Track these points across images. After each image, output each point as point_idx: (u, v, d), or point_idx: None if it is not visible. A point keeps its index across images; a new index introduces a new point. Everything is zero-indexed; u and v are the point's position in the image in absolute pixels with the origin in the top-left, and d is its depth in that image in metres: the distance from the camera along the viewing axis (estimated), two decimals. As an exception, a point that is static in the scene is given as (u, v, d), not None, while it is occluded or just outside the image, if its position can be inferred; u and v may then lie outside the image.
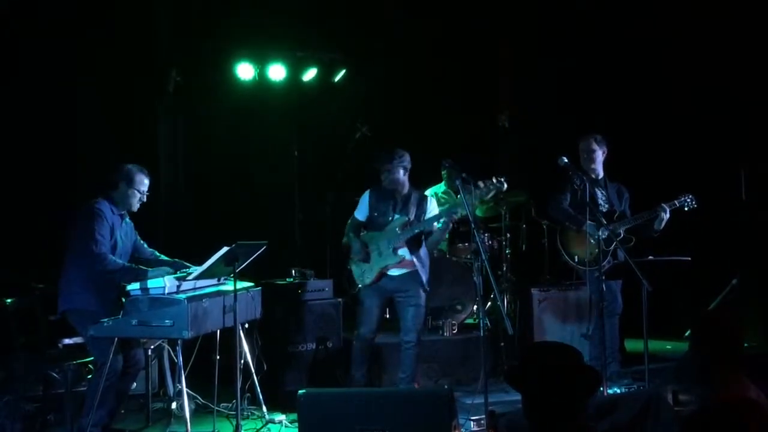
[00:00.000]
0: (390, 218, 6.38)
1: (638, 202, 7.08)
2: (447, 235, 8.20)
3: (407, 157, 6.40)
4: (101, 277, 5.60)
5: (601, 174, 7.04)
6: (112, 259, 5.59)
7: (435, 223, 6.27)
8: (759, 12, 8.18)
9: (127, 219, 5.96)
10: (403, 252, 6.32)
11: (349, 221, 6.64)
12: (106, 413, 5.62)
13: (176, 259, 5.97)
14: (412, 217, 6.36)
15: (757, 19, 8.22)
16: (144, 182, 5.85)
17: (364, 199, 6.52)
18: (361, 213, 6.54)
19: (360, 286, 6.47)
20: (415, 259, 6.35)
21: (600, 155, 6.99)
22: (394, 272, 6.37)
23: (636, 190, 7.14)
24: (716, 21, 8.47)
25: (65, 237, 5.76)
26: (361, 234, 6.53)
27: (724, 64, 8.54)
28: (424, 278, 6.39)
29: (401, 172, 6.37)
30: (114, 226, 5.74)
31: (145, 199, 5.90)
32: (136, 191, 5.81)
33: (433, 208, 6.45)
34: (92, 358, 5.80)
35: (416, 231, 6.28)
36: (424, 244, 6.40)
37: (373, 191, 6.51)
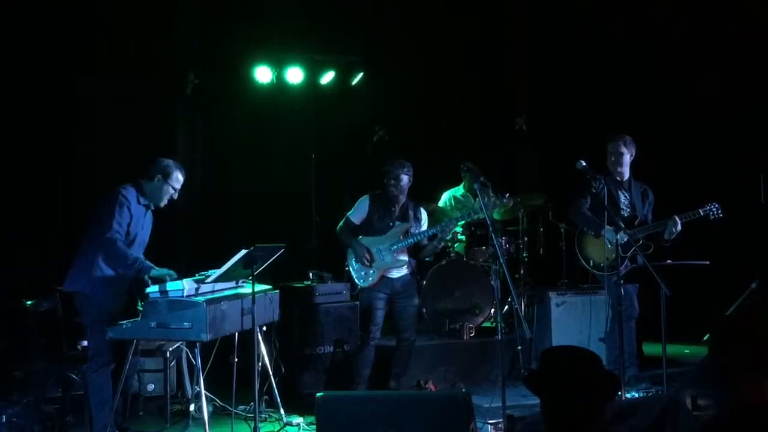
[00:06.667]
0: (391, 224, 6.63)
1: (656, 205, 7.07)
2: (464, 238, 8.27)
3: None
4: (114, 264, 5.60)
5: (627, 176, 6.99)
6: (121, 246, 5.56)
7: (427, 236, 6.62)
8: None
9: (150, 212, 5.95)
10: (404, 256, 6.64)
11: (342, 222, 6.76)
12: (109, 411, 5.57)
13: None
14: (412, 225, 6.65)
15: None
16: (179, 179, 5.88)
17: (364, 203, 6.71)
18: (357, 216, 6.72)
19: (360, 286, 6.67)
20: (411, 262, 6.73)
21: (627, 158, 6.93)
22: (393, 274, 6.64)
23: (654, 194, 7.12)
24: (730, 23, 8.45)
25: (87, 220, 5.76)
26: (359, 238, 6.68)
27: (742, 67, 8.50)
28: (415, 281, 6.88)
29: (408, 181, 6.62)
30: (136, 217, 5.72)
31: (176, 197, 5.92)
32: (170, 187, 5.84)
33: (426, 220, 6.80)
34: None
35: (414, 240, 6.60)
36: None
37: (374, 197, 6.71)
